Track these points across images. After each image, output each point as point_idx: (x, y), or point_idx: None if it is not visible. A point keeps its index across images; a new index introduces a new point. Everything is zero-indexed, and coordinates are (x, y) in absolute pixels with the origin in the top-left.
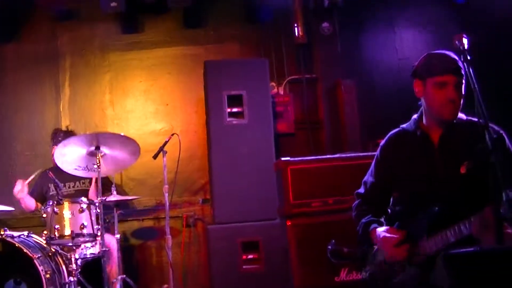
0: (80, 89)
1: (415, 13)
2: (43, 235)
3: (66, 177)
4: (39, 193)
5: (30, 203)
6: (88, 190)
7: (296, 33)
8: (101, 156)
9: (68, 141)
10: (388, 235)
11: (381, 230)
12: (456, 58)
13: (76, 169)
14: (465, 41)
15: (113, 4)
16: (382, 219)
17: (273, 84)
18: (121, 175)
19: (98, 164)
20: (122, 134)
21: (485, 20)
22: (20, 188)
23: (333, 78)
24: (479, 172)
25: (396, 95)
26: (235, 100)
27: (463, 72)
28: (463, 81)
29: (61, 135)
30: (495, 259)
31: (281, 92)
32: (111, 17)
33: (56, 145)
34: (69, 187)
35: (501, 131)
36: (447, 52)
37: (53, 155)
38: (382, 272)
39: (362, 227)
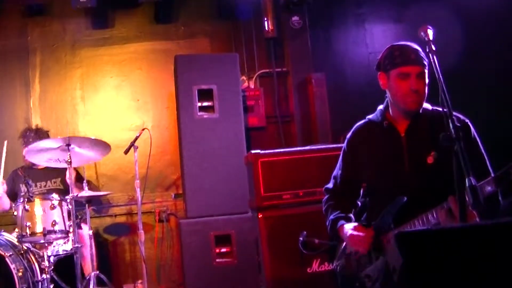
0: (51, 85)
1: (385, 8)
2: (15, 233)
3: (38, 176)
4: (11, 193)
5: (6, 202)
6: (59, 189)
7: (266, 27)
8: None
9: (39, 144)
10: (355, 233)
11: (348, 228)
12: (418, 48)
13: (47, 161)
14: (430, 32)
15: None
16: (351, 214)
17: (244, 78)
18: (94, 171)
19: (69, 161)
20: (93, 138)
21: (459, 15)
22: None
23: (304, 72)
24: (445, 162)
25: (366, 88)
26: (205, 95)
27: (425, 62)
28: (425, 71)
29: (31, 135)
30: (446, 236)
31: (252, 86)
32: (82, 13)
33: (27, 145)
34: (40, 187)
35: (466, 120)
36: (409, 43)
37: (24, 155)
38: (350, 265)
39: (330, 224)
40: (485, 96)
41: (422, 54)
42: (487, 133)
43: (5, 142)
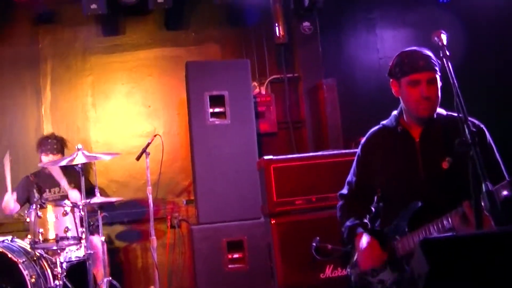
0: (62, 92)
1: (396, 13)
2: (27, 239)
3: (51, 182)
4: (23, 199)
5: (13, 205)
6: None
7: (277, 33)
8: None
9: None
10: (371, 249)
11: (365, 241)
12: (428, 54)
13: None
14: (443, 37)
15: (94, 6)
16: (366, 220)
17: (255, 84)
18: (105, 177)
19: (81, 169)
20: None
21: (467, 20)
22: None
23: (315, 77)
24: (460, 167)
25: (377, 93)
26: (217, 101)
27: (436, 68)
28: (437, 76)
29: (54, 142)
30: (472, 243)
31: (263, 92)
32: (92, 20)
33: (47, 153)
34: (54, 193)
35: (481, 125)
36: (418, 49)
37: (41, 161)
38: (363, 273)
39: (347, 230)
40: (485, 97)
41: (433, 59)
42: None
43: (7, 154)
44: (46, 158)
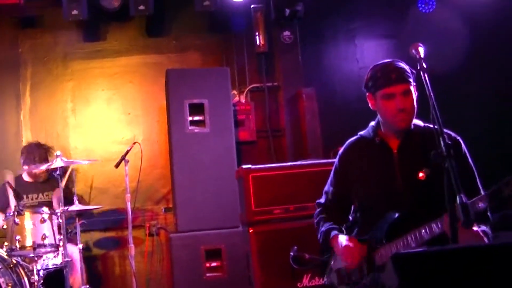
0: (42, 98)
1: (376, 23)
2: (4, 246)
3: (29, 189)
4: (3, 207)
5: None
6: (50, 202)
7: (258, 42)
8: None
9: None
10: (350, 244)
11: (343, 239)
12: (400, 66)
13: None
14: (421, 49)
15: (75, 12)
16: (343, 227)
17: (235, 92)
18: (83, 183)
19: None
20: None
21: (447, 31)
22: None
23: (294, 86)
24: (437, 178)
25: (356, 103)
26: (196, 109)
27: (410, 79)
28: (411, 88)
29: (36, 155)
30: (444, 258)
31: (243, 100)
32: (73, 25)
33: (29, 165)
34: (32, 199)
35: (458, 137)
36: (390, 62)
37: (24, 172)
38: (341, 280)
39: (322, 235)
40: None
41: (406, 70)
42: (482, 143)
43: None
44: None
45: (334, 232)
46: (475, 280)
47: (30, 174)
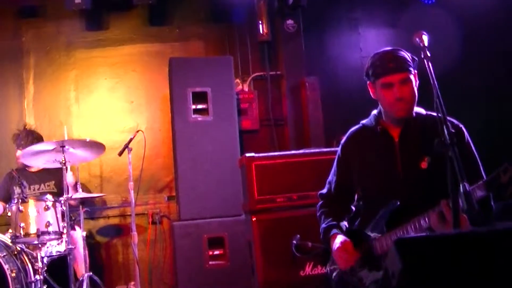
0: (45, 87)
1: (379, 12)
2: (8, 233)
3: (31, 179)
4: (5, 195)
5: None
6: (53, 192)
7: (261, 31)
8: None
9: (33, 147)
10: (342, 249)
11: (338, 241)
12: (400, 54)
13: (44, 163)
14: (424, 38)
15: (78, 1)
16: (345, 222)
17: (238, 81)
18: (87, 172)
19: (64, 162)
20: (87, 139)
21: (450, 21)
22: None
23: (297, 75)
24: (439, 167)
25: (359, 92)
26: (199, 97)
27: (410, 68)
28: (410, 76)
29: (23, 138)
30: (446, 243)
31: (246, 89)
32: (76, 14)
33: (19, 148)
34: (34, 190)
35: (460, 125)
36: (390, 50)
37: (18, 158)
38: (343, 271)
39: (323, 231)
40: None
41: (406, 58)
42: (484, 133)
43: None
44: (20, 153)
45: (333, 231)
46: (478, 264)
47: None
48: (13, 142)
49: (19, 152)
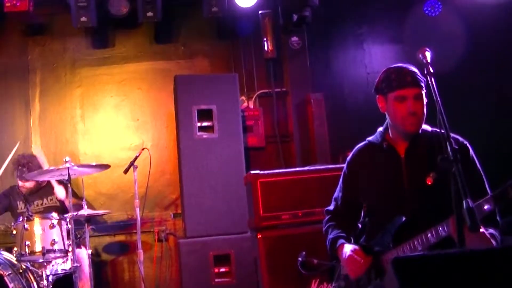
0: (51, 104)
1: (384, 28)
2: (14, 251)
3: (34, 196)
4: (3, 208)
5: None
6: (56, 207)
7: (266, 48)
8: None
9: (37, 178)
10: (354, 256)
11: (348, 249)
12: (414, 70)
13: (49, 178)
14: (427, 54)
15: (84, 18)
16: (352, 236)
17: (243, 98)
18: (93, 190)
19: (69, 181)
20: (94, 164)
21: (454, 35)
22: None
23: (303, 92)
24: (444, 183)
25: (364, 108)
26: (205, 115)
27: (422, 84)
28: (423, 93)
29: (24, 169)
30: (443, 262)
31: (251, 106)
32: (82, 32)
33: (22, 180)
34: (37, 205)
35: (465, 142)
36: (405, 65)
37: (19, 187)
38: (349, 286)
39: (329, 243)
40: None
41: (419, 75)
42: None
43: (18, 143)
44: (21, 183)
45: (340, 241)
46: (475, 284)
47: (23, 187)
48: (15, 169)
49: (20, 183)
